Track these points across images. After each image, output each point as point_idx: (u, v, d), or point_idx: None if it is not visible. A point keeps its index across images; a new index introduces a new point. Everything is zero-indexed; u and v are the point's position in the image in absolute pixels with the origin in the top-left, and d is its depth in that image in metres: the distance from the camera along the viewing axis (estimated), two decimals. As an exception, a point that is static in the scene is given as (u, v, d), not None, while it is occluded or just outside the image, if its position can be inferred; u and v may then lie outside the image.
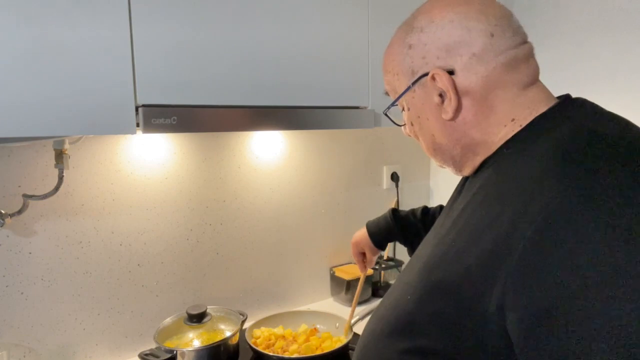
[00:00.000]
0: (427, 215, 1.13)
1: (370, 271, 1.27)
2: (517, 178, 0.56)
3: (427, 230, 1.09)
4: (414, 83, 0.67)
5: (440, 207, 1.15)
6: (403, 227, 1.14)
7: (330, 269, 1.64)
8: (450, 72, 0.63)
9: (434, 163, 1.89)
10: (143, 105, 0.89)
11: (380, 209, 1.77)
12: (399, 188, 1.79)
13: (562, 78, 1.26)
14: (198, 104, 0.96)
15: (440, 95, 0.65)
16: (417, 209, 1.17)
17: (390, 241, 1.19)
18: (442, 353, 0.57)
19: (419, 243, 1.12)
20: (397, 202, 1.79)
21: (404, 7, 1.26)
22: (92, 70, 0.83)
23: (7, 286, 1.09)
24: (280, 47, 1.06)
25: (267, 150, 1.46)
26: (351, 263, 1.69)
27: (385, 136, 1.75)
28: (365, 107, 1.22)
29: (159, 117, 0.88)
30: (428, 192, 1.93)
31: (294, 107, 1.09)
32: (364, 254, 1.22)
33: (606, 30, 1.33)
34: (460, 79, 0.63)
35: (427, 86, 0.66)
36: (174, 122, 0.90)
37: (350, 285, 1.55)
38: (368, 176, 1.73)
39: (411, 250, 1.15)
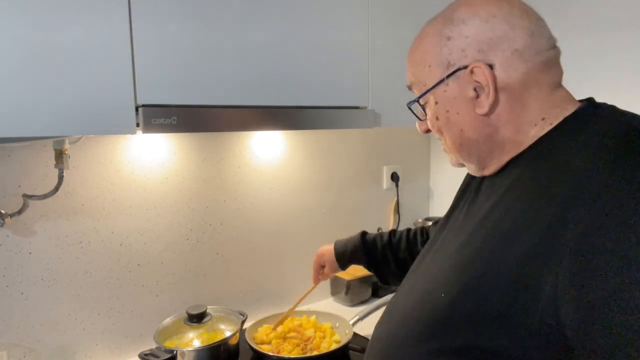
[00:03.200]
0: (394, 237, 1.14)
1: (312, 288, 1.30)
2: (559, 174, 0.56)
3: (394, 252, 1.10)
4: (448, 76, 0.66)
5: (408, 230, 1.15)
6: (368, 250, 1.15)
7: (330, 269, 1.64)
8: (490, 67, 0.63)
9: (434, 163, 1.90)
10: (143, 105, 0.89)
11: (380, 209, 1.77)
12: (399, 188, 1.79)
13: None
14: (198, 104, 0.96)
15: (475, 90, 0.64)
16: (385, 232, 1.17)
17: (354, 263, 1.19)
18: (484, 350, 0.57)
19: (385, 268, 1.11)
20: (397, 202, 1.79)
21: (404, 7, 1.27)
22: (92, 70, 0.83)
23: (7, 286, 1.09)
24: (280, 47, 1.06)
25: (267, 150, 1.46)
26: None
27: (385, 136, 1.75)
28: (365, 107, 1.22)
29: (159, 117, 0.88)
30: (428, 192, 1.93)
31: (294, 107, 1.09)
32: (324, 267, 1.23)
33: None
34: (500, 74, 0.63)
35: (462, 79, 0.65)
36: (174, 122, 0.90)
37: (350, 285, 1.55)
38: (368, 176, 1.73)
39: (377, 274, 1.16)
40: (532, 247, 0.54)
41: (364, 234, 1.18)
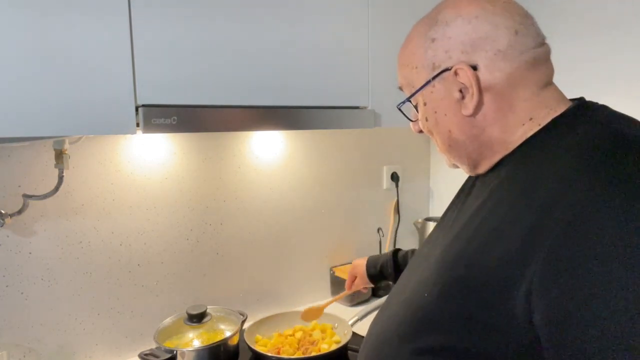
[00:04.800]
0: None
1: (345, 294, 1.31)
2: (543, 176, 0.56)
3: None
4: (434, 77, 0.66)
5: None
6: (397, 266, 1.16)
7: (330, 269, 1.64)
8: (474, 68, 0.63)
9: (434, 163, 1.90)
10: (143, 105, 0.89)
11: (380, 209, 1.77)
12: (399, 188, 1.79)
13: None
14: (198, 103, 0.96)
15: (461, 91, 0.64)
16: (416, 248, 1.18)
17: (384, 279, 1.22)
18: (462, 350, 0.57)
19: None
20: (397, 202, 1.79)
21: (404, 7, 1.27)
22: (92, 70, 0.84)
23: (7, 286, 1.09)
24: (280, 47, 1.06)
25: (267, 150, 1.46)
26: (351, 263, 1.69)
27: (385, 136, 1.75)
28: (365, 107, 1.22)
29: (159, 117, 0.88)
30: (428, 192, 1.93)
31: (294, 107, 1.09)
32: (356, 277, 1.25)
33: (610, 30, 1.33)
34: (484, 74, 0.63)
35: (447, 81, 0.65)
36: (174, 122, 0.90)
37: (350, 285, 1.55)
38: (368, 176, 1.73)
39: None
40: (510, 250, 0.54)
41: (396, 250, 1.19)
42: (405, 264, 1.15)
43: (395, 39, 1.25)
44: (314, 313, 1.30)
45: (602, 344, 0.46)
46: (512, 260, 0.53)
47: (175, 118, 0.90)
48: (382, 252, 1.77)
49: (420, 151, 1.88)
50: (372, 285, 1.25)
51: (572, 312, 0.48)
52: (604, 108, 0.63)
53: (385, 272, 1.18)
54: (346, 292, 1.29)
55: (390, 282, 1.23)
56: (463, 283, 0.58)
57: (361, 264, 1.23)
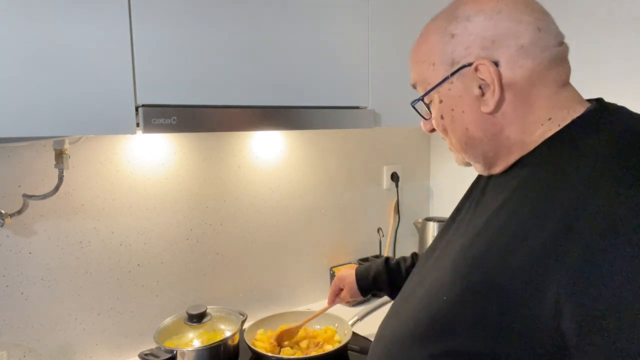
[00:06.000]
0: (417, 259, 1.12)
1: (325, 309, 1.27)
2: (567, 179, 0.55)
3: None
4: (453, 74, 0.64)
5: None
6: (391, 275, 1.13)
7: (330, 269, 1.64)
8: (495, 64, 0.61)
9: (434, 163, 1.90)
10: (143, 105, 0.89)
11: (380, 209, 1.77)
12: (399, 188, 1.79)
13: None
14: (198, 104, 0.96)
15: (480, 87, 0.63)
16: (408, 256, 1.15)
17: (377, 289, 1.17)
18: (483, 355, 0.56)
19: None
20: (397, 202, 1.79)
21: (404, 7, 1.27)
22: (92, 70, 0.83)
23: (7, 286, 1.09)
24: (280, 47, 1.06)
25: (267, 150, 1.46)
26: (351, 263, 1.69)
27: (385, 136, 1.75)
28: (365, 107, 1.22)
29: (159, 117, 0.88)
30: (428, 192, 1.93)
31: (294, 107, 1.09)
32: (341, 290, 1.22)
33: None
34: (506, 71, 0.61)
35: (467, 77, 0.64)
36: (174, 122, 0.90)
37: (350, 285, 1.55)
38: (368, 176, 1.73)
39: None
40: (533, 255, 0.53)
41: (387, 259, 1.16)
42: (399, 272, 1.12)
43: (396, 39, 1.26)
44: (290, 333, 1.26)
45: (631, 349, 0.46)
46: (537, 265, 0.52)
47: (175, 118, 0.90)
48: (382, 252, 1.77)
49: (420, 151, 1.88)
50: (361, 298, 1.19)
51: (604, 318, 0.47)
52: (624, 110, 0.62)
53: (379, 282, 1.14)
54: (327, 307, 1.26)
55: (378, 293, 1.19)
56: (484, 286, 0.57)
57: (348, 274, 1.20)
